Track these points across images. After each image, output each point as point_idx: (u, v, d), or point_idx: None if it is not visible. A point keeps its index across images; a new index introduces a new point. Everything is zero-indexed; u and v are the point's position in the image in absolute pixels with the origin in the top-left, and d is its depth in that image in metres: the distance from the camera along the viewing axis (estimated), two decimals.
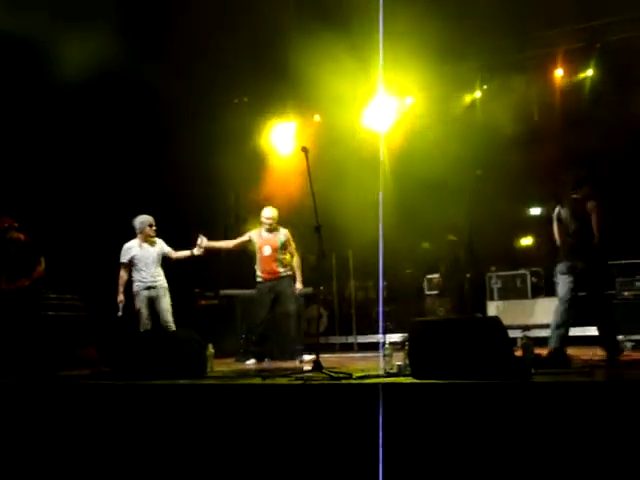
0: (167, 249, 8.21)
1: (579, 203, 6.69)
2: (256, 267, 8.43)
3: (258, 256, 8.39)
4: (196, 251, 8.08)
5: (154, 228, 8.08)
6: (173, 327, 7.92)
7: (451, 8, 8.61)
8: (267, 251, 8.29)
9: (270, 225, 8.30)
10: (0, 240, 8.22)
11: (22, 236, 8.28)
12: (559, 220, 6.87)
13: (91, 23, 8.46)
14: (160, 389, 5.24)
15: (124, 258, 8.00)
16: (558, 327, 6.51)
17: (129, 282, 8.03)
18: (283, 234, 8.37)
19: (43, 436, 5.47)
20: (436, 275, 11.01)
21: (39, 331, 8.06)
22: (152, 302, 7.99)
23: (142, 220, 8.05)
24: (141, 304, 7.94)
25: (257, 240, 8.36)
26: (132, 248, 8.03)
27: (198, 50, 9.71)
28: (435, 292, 10.98)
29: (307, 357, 7.87)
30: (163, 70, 9.55)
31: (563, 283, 6.63)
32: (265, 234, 8.34)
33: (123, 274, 7.98)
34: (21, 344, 7.71)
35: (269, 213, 8.33)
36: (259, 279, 8.40)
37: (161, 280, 8.10)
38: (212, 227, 12.44)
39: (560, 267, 6.69)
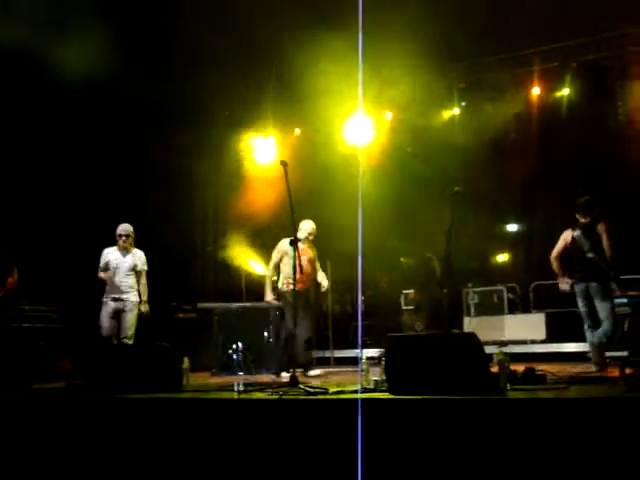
0: (140, 266, 8.00)
1: (590, 226, 6.95)
2: (283, 277, 8.29)
3: (291, 264, 8.20)
4: (142, 308, 7.94)
5: (123, 239, 7.89)
6: (130, 343, 7.73)
7: (431, 26, 8.69)
8: (304, 261, 8.20)
9: (313, 238, 8.32)
10: None
11: None
12: (572, 242, 7.09)
13: (81, 29, 8.41)
14: (135, 403, 5.18)
15: (100, 262, 7.90)
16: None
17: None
18: (313, 248, 8.43)
19: (16, 451, 5.39)
20: (412, 290, 11.05)
21: (12, 343, 7.96)
22: (117, 314, 7.83)
23: (118, 228, 7.95)
24: (104, 315, 7.78)
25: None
26: (109, 254, 7.93)
27: (182, 60, 9.72)
28: (411, 307, 11.01)
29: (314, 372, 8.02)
30: (146, 77, 9.51)
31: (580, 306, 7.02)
32: (301, 245, 8.24)
33: (103, 278, 7.85)
34: None
35: (312, 225, 8.31)
36: (291, 287, 8.19)
37: (130, 294, 7.90)
38: (189, 237, 12.46)
39: (577, 289, 7.02)
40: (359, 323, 10.06)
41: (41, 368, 7.89)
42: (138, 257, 8.00)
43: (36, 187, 10.01)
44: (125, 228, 7.94)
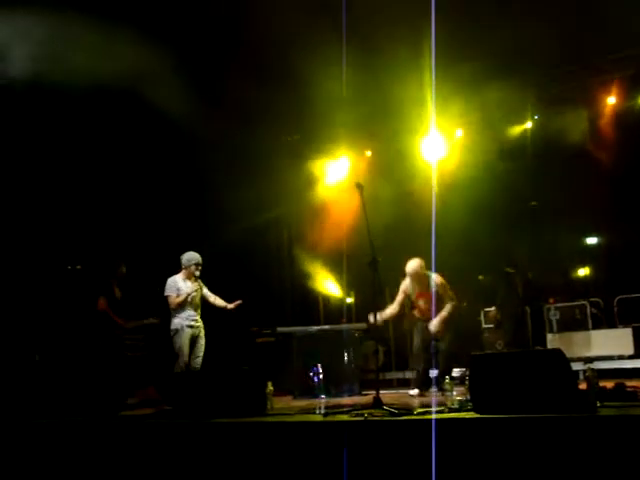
0: (206, 291, 8.37)
1: None
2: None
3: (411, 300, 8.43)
4: (230, 305, 8.26)
5: (200, 268, 8.21)
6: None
7: (501, 39, 8.63)
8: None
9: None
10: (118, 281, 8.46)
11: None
12: None
13: (150, 65, 8.71)
14: (222, 427, 5.28)
15: (171, 291, 8.13)
16: None
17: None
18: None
19: (108, 476, 5.54)
20: (492, 308, 10.87)
21: (99, 371, 8.22)
22: (193, 340, 8.12)
23: (189, 257, 8.22)
24: (184, 341, 8.06)
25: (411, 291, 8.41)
26: (179, 282, 8.18)
27: (250, 90, 9.90)
28: (492, 325, 10.82)
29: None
30: (214, 110, 9.75)
31: None
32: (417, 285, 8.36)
33: (173, 303, 8.10)
34: (83, 385, 7.86)
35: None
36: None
37: (200, 321, 8.28)
38: (266, 263, 12.60)
39: None
40: (431, 343, 9.95)
41: (129, 396, 8.14)
42: (202, 287, 8.31)
43: (125, 219, 10.40)
44: (199, 258, 8.23)
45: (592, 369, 4.86)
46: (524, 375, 4.56)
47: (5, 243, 9.53)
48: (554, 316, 10.15)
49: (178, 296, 8.08)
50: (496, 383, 4.65)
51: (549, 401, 4.32)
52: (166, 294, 8.15)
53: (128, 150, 10.10)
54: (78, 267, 9.49)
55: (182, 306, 8.09)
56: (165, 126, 9.75)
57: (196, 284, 8.21)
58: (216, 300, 8.34)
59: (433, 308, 8.15)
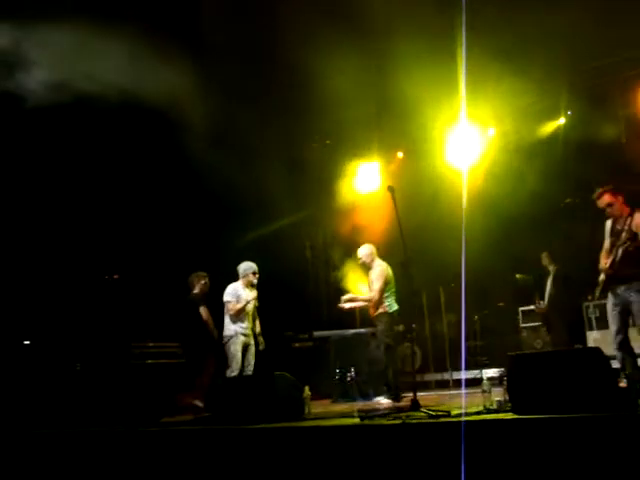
0: (256, 302, 8.43)
1: None
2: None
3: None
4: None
5: (257, 276, 8.31)
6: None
7: (533, 33, 8.55)
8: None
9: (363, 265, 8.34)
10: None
11: None
12: None
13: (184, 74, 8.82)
14: (261, 433, 5.31)
15: (232, 297, 8.21)
16: None
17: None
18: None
19: None
20: (531, 307, 10.75)
21: (141, 379, 8.33)
22: (245, 347, 8.18)
23: (246, 267, 8.33)
24: (237, 348, 8.11)
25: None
26: (239, 290, 8.26)
27: (283, 97, 9.96)
28: (531, 324, 10.70)
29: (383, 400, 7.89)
30: (246, 112, 9.81)
31: None
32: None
33: (233, 309, 8.17)
34: (124, 393, 7.98)
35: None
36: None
37: (252, 329, 8.36)
38: (301, 269, 12.64)
39: None
40: (463, 344, 9.86)
41: (169, 402, 8.23)
42: (254, 294, 8.32)
43: (153, 230, 10.53)
44: (255, 266, 8.36)
45: (634, 367, 4.80)
46: (563, 374, 4.51)
47: (47, 254, 9.73)
48: (593, 314, 10.00)
49: (238, 303, 8.16)
50: (535, 383, 4.61)
51: (589, 400, 4.27)
52: (226, 300, 8.25)
53: (156, 153, 10.22)
54: (115, 276, 9.61)
55: (239, 313, 8.17)
56: (196, 130, 9.84)
57: (254, 293, 8.30)
58: (255, 322, 8.44)
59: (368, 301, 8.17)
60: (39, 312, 9.46)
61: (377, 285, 8.08)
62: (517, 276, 11.11)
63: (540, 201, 9.91)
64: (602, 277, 6.73)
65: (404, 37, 8.77)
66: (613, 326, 6.57)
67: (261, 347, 8.39)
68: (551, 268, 10.15)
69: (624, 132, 10.48)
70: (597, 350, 4.69)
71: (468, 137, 10.79)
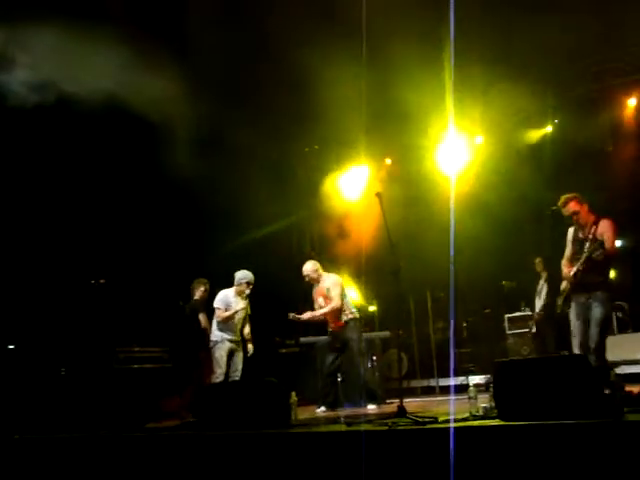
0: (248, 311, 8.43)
1: None
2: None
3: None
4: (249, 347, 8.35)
5: (251, 287, 8.27)
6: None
7: (520, 41, 8.60)
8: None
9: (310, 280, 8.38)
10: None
11: None
12: None
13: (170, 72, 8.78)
14: (247, 438, 5.29)
15: (222, 304, 8.18)
16: None
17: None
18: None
19: None
20: (517, 313, 10.79)
21: (125, 384, 8.29)
22: (231, 354, 8.17)
23: (242, 276, 8.28)
24: (222, 353, 8.09)
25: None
26: (229, 297, 8.23)
27: (270, 101, 9.95)
28: (517, 331, 10.74)
29: (371, 406, 7.89)
30: (236, 120, 9.81)
31: None
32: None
33: (220, 316, 8.14)
34: (108, 398, 7.93)
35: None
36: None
37: (240, 336, 8.35)
38: (289, 274, 12.63)
39: None
40: (451, 351, 9.88)
41: (154, 408, 8.19)
42: (248, 303, 8.32)
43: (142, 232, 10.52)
44: (252, 277, 8.29)
45: (616, 374, 4.81)
46: (549, 381, 4.51)
47: (33, 257, 9.67)
48: None
49: (227, 310, 8.14)
50: (521, 389, 4.61)
51: (574, 407, 4.28)
52: (216, 306, 8.22)
53: (144, 159, 10.20)
54: (102, 281, 9.56)
55: (227, 321, 8.15)
56: (184, 135, 9.83)
57: (245, 302, 8.27)
58: (245, 329, 8.40)
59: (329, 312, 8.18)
60: (24, 316, 9.38)
61: (335, 291, 8.15)
62: (503, 283, 11.17)
63: (528, 208, 9.97)
64: (565, 285, 6.71)
65: (394, 44, 8.80)
66: (577, 338, 6.49)
67: (249, 353, 8.36)
68: (544, 275, 10.20)
69: (610, 140, 10.57)
70: (583, 357, 4.71)
71: (456, 144, 10.84)
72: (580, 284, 6.49)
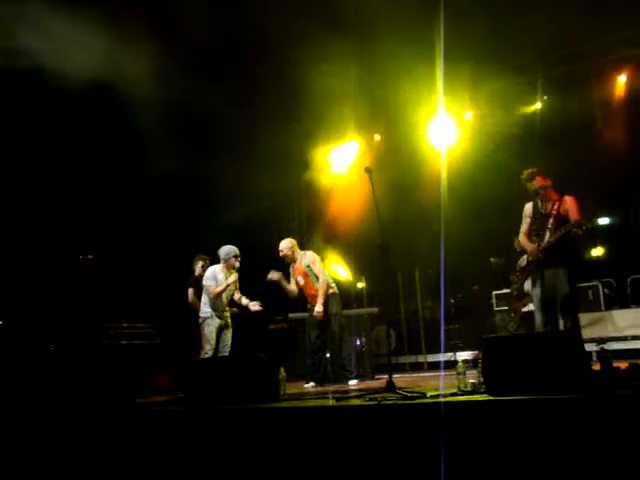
0: (237, 284, 8.41)
1: None
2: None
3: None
4: (252, 306, 8.25)
5: (239, 259, 8.25)
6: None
7: (510, 19, 8.55)
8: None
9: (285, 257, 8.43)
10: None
11: None
12: None
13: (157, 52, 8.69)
14: (235, 413, 5.30)
15: (212, 280, 8.16)
16: None
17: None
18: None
19: (121, 463, 5.58)
20: (505, 290, 10.83)
21: (115, 360, 8.28)
22: (221, 330, 8.17)
23: (228, 250, 8.25)
24: (211, 329, 8.09)
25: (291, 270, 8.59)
26: (218, 273, 8.21)
27: (258, 79, 9.88)
28: (505, 308, 10.79)
29: (352, 382, 8.00)
30: (222, 97, 9.73)
31: None
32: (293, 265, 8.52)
33: (213, 292, 8.12)
34: (97, 373, 7.92)
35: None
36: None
37: (229, 311, 8.35)
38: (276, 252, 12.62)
39: None
40: (442, 327, 9.91)
41: (142, 383, 8.20)
42: (235, 277, 8.26)
43: (130, 210, 10.44)
44: (237, 250, 8.28)
45: (604, 349, 4.85)
46: (538, 357, 4.54)
47: (21, 234, 9.62)
48: None
49: (217, 286, 8.11)
50: (509, 365, 4.64)
51: (563, 382, 4.31)
52: (205, 283, 8.19)
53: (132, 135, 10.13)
54: (90, 257, 9.52)
55: (218, 296, 8.13)
56: (174, 112, 9.74)
57: (235, 276, 8.23)
58: (241, 299, 8.36)
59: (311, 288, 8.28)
60: (12, 292, 9.35)
61: (317, 267, 8.30)
62: (491, 259, 11.19)
63: (516, 185, 9.96)
64: (524, 262, 6.69)
65: (382, 21, 8.74)
66: (540, 315, 6.47)
67: (243, 302, 8.33)
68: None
69: (600, 118, 10.56)
70: (570, 333, 4.74)
71: (445, 121, 10.81)
72: (545, 260, 6.47)
